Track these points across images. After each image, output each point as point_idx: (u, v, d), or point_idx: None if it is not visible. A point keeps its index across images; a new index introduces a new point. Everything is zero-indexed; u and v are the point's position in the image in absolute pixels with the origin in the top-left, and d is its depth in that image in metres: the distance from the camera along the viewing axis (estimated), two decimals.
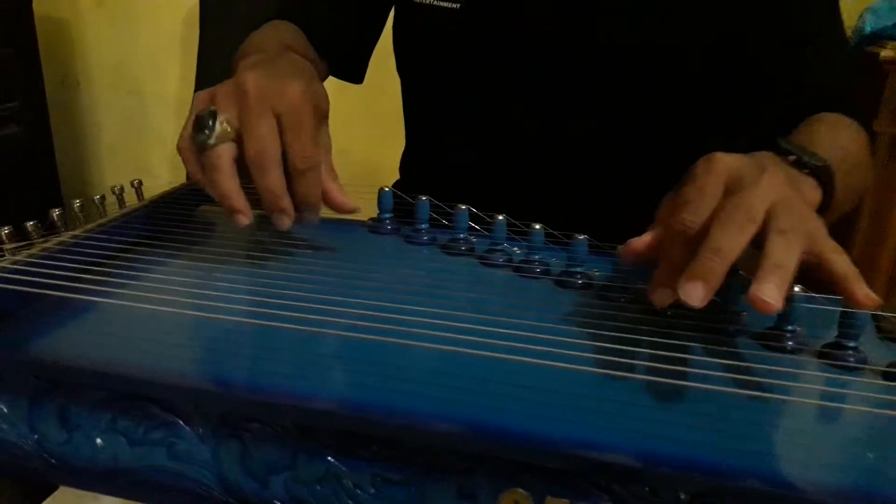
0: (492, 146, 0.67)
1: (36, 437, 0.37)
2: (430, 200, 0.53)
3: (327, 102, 0.50)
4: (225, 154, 0.43)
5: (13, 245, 0.46)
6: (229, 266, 0.46)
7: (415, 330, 0.36)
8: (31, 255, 0.42)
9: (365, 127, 1.55)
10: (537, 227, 0.48)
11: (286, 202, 0.44)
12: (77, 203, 0.51)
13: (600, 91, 0.62)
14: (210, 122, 0.43)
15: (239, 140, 0.44)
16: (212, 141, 0.43)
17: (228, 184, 0.44)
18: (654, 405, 0.33)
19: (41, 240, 0.45)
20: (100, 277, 0.42)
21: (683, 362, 0.36)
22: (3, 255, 0.44)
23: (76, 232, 0.46)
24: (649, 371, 0.35)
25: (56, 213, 0.50)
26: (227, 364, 0.36)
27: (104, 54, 1.83)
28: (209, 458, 0.34)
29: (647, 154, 0.64)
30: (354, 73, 0.75)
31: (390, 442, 0.31)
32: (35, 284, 0.38)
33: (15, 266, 0.40)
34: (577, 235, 0.46)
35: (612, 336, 0.37)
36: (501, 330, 0.36)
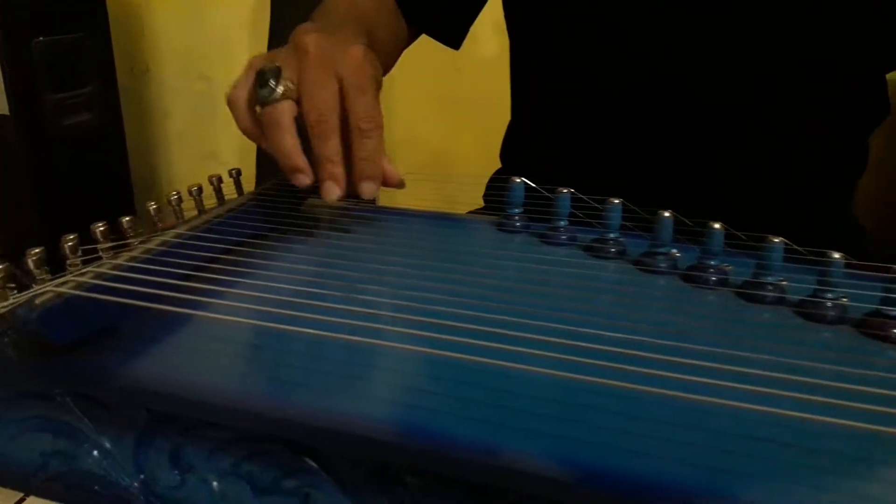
0: (611, 122, 0.60)
1: (142, 477, 0.31)
2: (572, 193, 0.46)
3: (381, 72, 0.48)
4: (287, 111, 0.42)
5: (108, 244, 0.40)
6: (368, 274, 0.38)
7: (654, 371, 0.28)
8: (132, 259, 0.35)
9: (432, 114, 1.47)
10: (717, 226, 0.39)
11: (341, 171, 0.43)
12: (175, 195, 0.46)
13: (735, 64, 0.54)
14: (276, 77, 0.42)
15: (299, 102, 0.43)
16: (276, 95, 0.42)
17: (291, 141, 0.43)
18: None
19: (139, 238, 0.39)
20: (216, 287, 0.36)
21: None
22: (100, 258, 0.38)
23: (180, 230, 0.40)
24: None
25: (153, 206, 0.44)
26: (384, 402, 0.29)
27: (174, 40, 1.80)
28: None
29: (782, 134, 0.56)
30: (452, 34, 0.69)
31: None
32: (143, 296, 0.32)
33: (115, 272, 0.34)
34: (771, 238, 0.38)
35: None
36: (721, 366, 0.28)
